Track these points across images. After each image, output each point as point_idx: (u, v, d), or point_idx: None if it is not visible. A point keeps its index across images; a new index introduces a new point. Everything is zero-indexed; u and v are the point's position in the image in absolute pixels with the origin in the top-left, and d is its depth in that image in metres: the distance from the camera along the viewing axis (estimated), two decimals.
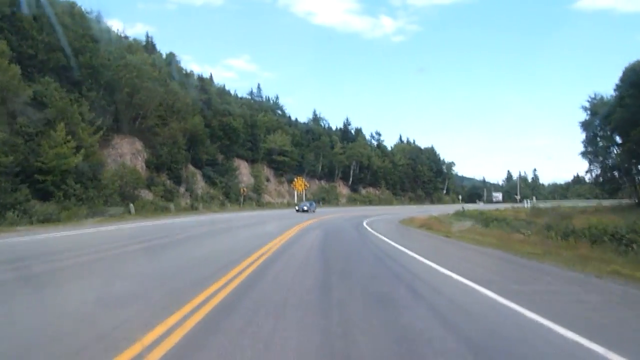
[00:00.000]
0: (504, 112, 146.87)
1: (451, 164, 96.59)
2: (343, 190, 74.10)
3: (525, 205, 57.03)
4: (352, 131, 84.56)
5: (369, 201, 70.83)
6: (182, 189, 37.69)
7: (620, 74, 33.16)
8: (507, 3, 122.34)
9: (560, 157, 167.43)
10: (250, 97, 67.86)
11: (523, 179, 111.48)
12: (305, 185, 57.74)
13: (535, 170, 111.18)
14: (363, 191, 76.40)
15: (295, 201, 56.31)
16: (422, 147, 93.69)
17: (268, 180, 57.94)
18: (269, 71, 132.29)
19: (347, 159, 73.69)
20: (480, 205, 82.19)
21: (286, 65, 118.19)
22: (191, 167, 42.13)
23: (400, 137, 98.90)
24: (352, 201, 68.68)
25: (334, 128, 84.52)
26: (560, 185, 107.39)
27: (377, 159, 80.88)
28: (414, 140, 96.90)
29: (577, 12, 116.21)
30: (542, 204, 58.21)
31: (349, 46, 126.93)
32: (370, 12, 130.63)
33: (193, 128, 40.95)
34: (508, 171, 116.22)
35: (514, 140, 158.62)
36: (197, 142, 42.43)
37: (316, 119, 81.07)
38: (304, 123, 75.28)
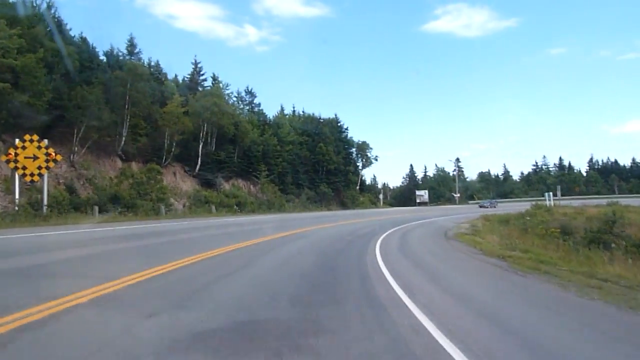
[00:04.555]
0: (393, 105, 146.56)
1: (365, 145, 71.10)
2: (182, 182, 40.77)
3: (549, 203, 33.74)
4: (205, 83, 52.27)
5: (236, 204, 38.80)
6: None
7: None
8: (363, 20, 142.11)
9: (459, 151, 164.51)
10: None
11: (444, 173, 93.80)
12: (52, 158, 23.00)
13: (458, 160, 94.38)
14: (225, 185, 44.06)
15: (17, 196, 21.42)
16: (322, 118, 65.83)
17: None
18: None
19: (194, 120, 40.84)
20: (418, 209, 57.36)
21: None
22: None
23: (282, 107, 69.91)
24: (200, 204, 35.76)
25: (173, 76, 50.88)
26: (495, 180, 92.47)
27: (251, 128, 49.73)
28: (302, 110, 68.73)
29: (424, 35, 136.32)
30: (572, 202, 36.22)
31: (213, 53, 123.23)
32: (235, 20, 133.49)
33: None
34: (411, 165, 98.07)
35: (411, 133, 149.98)
36: None
37: (133, 52, 45.57)
38: (99, 51, 39.79)
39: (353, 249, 11.74)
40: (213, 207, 34.37)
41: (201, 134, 42.41)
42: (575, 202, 38.26)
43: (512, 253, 10.71)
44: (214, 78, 53.90)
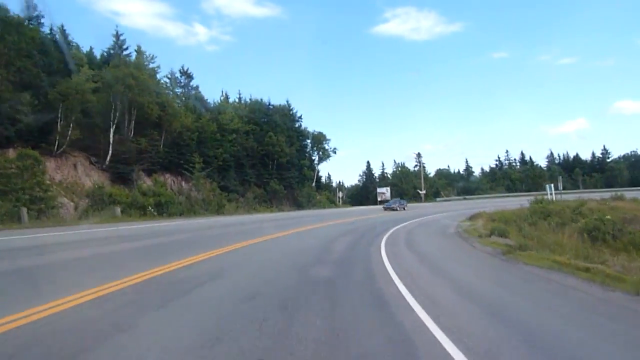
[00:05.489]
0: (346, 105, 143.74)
1: (322, 136, 63.28)
2: (87, 176, 31.36)
3: (551, 197, 28.02)
4: (128, 57, 42.62)
5: (156, 205, 29.68)
6: None
7: None
8: (315, 21, 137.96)
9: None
10: None
11: (405, 169, 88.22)
12: None
13: (419, 156, 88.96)
14: (145, 180, 34.83)
15: None
16: (271, 104, 57.45)
17: None
18: None
19: (104, 96, 31.71)
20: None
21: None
22: None
23: (226, 94, 60.96)
24: (103, 205, 26.40)
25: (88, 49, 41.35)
26: (460, 176, 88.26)
27: (184, 113, 40.78)
28: (250, 96, 59.98)
29: (374, 37, 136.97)
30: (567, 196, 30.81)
31: (161, 51, 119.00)
32: (183, 19, 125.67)
33: None
34: (368, 162, 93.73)
35: (365, 131, 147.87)
36: None
37: (32, 17, 35.11)
38: None
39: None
40: (118, 210, 25.24)
41: (112, 115, 32.94)
42: (569, 196, 32.60)
43: None
44: (138, 52, 44.31)
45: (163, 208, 29.36)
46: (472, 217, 26.46)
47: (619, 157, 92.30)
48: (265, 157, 51.00)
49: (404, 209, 42.70)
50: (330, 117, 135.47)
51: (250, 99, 59.84)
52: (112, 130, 33.10)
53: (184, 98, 48.62)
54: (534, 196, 32.17)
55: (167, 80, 49.84)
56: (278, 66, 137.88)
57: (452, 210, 37.51)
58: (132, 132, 35.53)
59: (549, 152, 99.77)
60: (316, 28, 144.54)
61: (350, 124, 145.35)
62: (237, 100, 60.84)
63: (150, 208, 27.14)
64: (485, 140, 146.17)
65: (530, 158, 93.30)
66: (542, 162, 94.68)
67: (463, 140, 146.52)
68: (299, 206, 51.96)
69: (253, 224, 21.84)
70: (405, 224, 21.94)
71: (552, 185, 29.38)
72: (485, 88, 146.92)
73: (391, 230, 17.16)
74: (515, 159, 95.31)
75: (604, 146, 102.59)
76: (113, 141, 33.24)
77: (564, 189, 73.78)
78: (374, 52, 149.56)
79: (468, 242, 13.17)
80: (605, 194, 33.55)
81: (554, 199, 28.24)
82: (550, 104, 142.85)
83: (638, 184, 73.37)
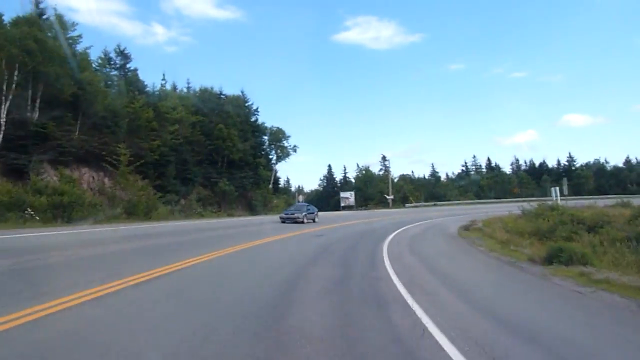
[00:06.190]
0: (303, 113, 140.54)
1: (280, 132, 56.59)
2: None
3: (557, 202, 23.06)
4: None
5: (58, 207, 22.20)
6: None
7: None
8: (276, 26, 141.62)
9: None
10: None
11: (369, 173, 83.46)
12: None
13: (385, 159, 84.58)
14: (50, 174, 27.05)
15: None
16: (223, 94, 50.56)
17: None
18: None
19: None
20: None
21: None
22: None
23: (174, 83, 53.41)
24: None
25: None
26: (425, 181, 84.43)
27: (110, 94, 33.42)
28: (200, 86, 52.72)
29: (336, 44, 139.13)
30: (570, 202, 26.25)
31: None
32: (142, 18, 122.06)
33: None
34: (329, 166, 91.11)
35: (326, 137, 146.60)
36: None
37: None
38: None
39: None
40: None
41: (5, 87, 25.21)
42: (572, 202, 28.18)
43: None
44: (60, 20, 36.29)
45: (66, 211, 21.96)
46: (469, 228, 21.16)
47: (581, 165, 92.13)
48: (213, 152, 43.99)
49: (313, 220, 27.76)
50: (290, 122, 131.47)
51: (200, 89, 52.67)
52: (4, 108, 25.32)
53: (117, 81, 41.08)
54: (521, 202, 27.56)
55: (99, 60, 42.30)
56: (238, 71, 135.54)
57: (435, 218, 32.30)
58: (37, 113, 27.85)
59: (514, 159, 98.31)
60: (278, 33, 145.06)
61: (310, 129, 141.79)
62: (185, 89, 53.38)
63: (29, 211, 19.71)
64: (446, 147, 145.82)
65: (497, 164, 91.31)
66: (507, 169, 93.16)
67: (424, 146, 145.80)
68: (252, 210, 45.23)
69: (177, 236, 15.35)
70: (399, 231, 16.11)
71: (558, 188, 24.68)
72: (444, 98, 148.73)
73: (385, 248, 11.26)
74: (481, 165, 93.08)
75: (569, 153, 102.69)
76: (6, 122, 25.52)
77: (532, 196, 71.55)
78: (336, 59, 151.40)
79: (543, 278, 7.41)
80: (607, 200, 29.31)
81: (559, 204, 23.39)
82: (504, 115, 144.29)
83: (604, 192, 72.72)
